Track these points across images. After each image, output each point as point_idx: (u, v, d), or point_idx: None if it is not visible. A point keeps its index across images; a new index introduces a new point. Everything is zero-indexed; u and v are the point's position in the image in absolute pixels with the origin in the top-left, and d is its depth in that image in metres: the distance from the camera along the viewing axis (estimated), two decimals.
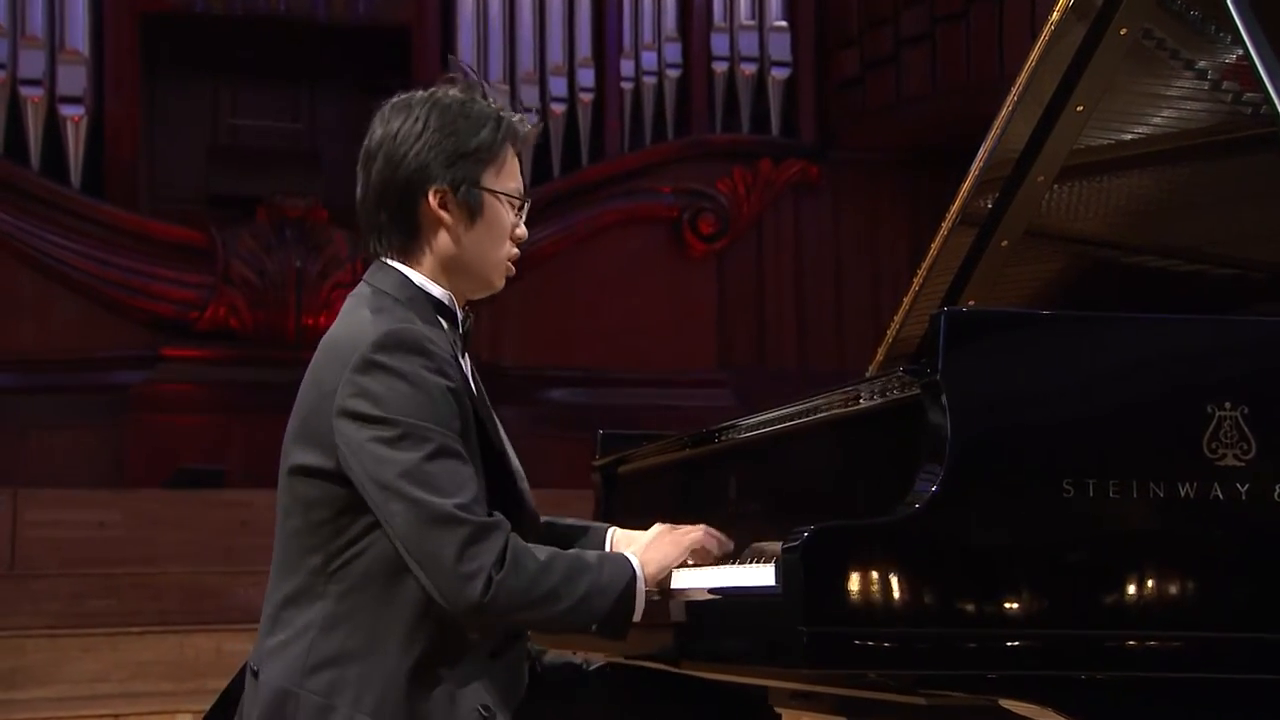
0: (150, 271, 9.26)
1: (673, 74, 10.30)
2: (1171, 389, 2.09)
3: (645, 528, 2.41)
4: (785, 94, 10.41)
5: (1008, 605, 1.98)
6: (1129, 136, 3.13)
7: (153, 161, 10.09)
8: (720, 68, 10.34)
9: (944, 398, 2.00)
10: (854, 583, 1.95)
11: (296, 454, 2.21)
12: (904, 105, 10.17)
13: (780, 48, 10.40)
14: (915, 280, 3.21)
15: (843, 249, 10.38)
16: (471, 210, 2.27)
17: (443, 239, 2.28)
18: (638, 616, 2.19)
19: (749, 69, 10.36)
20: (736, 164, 10.23)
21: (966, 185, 3.06)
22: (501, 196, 2.30)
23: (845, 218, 10.43)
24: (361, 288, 2.31)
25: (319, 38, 10.34)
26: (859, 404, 2.24)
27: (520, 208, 2.35)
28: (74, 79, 9.40)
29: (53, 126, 9.34)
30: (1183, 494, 2.03)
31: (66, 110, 9.35)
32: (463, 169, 2.25)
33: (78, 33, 9.43)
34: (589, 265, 9.94)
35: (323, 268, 9.23)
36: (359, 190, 2.31)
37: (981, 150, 3.02)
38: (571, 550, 2.21)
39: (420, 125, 2.26)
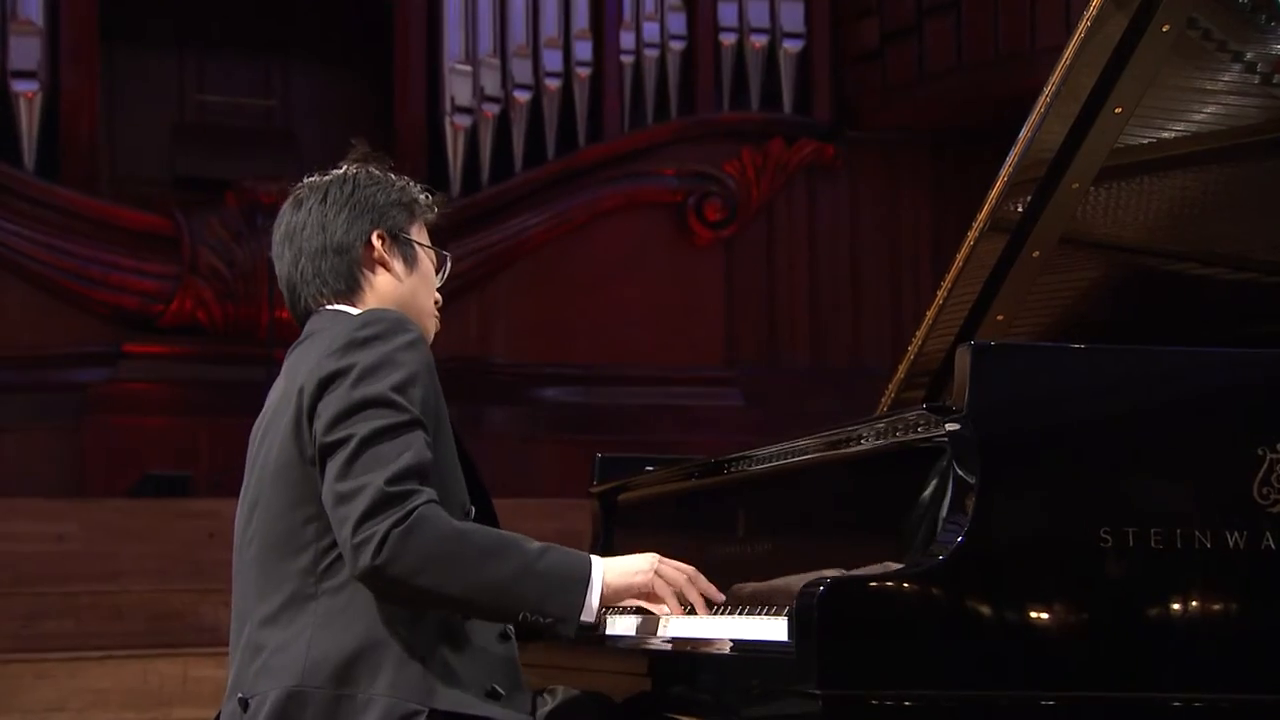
0: (110, 261, 9.26)
1: (676, 47, 10.28)
2: (1218, 429, 2.08)
3: None
4: (798, 68, 10.40)
5: (1040, 665, 1.98)
6: (1171, 134, 3.12)
7: (113, 141, 10.07)
8: (728, 40, 10.33)
9: (971, 439, 2.00)
10: (873, 641, 1.95)
11: (275, 456, 2.30)
12: (927, 80, 10.16)
13: (793, 18, 10.39)
14: (939, 292, 3.19)
15: (860, 236, 10.37)
16: (406, 256, 2.49)
17: (385, 280, 2.47)
18: (589, 616, 2.22)
19: (759, 41, 10.34)
20: (745, 144, 10.21)
21: (996, 189, 3.05)
22: (427, 249, 2.54)
23: (863, 202, 10.42)
24: (313, 334, 2.41)
25: (293, 6, 10.32)
26: (878, 441, 2.22)
27: (439, 267, 2.57)
28: (27, 52, 9.38)
29: (4, 103, 9.32)
30: (1230, 544, 2.03)
31: (19, 86, 9.34)
32: (394, 219, 2.48)
33: (31, 1, 9.41)
34: (586, 254, 9.93)
35: None
36: (288, 261, 2.47)
37: (1012, 153, 3.00)
38: (513, 534, 2.27)
39: (350, 188, 2.49)
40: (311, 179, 2.52)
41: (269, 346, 8.46)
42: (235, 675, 2.32)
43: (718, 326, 10.11)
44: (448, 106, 9.93)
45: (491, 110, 9.98)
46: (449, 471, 2.32)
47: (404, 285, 2.47)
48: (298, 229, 2.47)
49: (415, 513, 2.15)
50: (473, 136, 9.94)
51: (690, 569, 2.37)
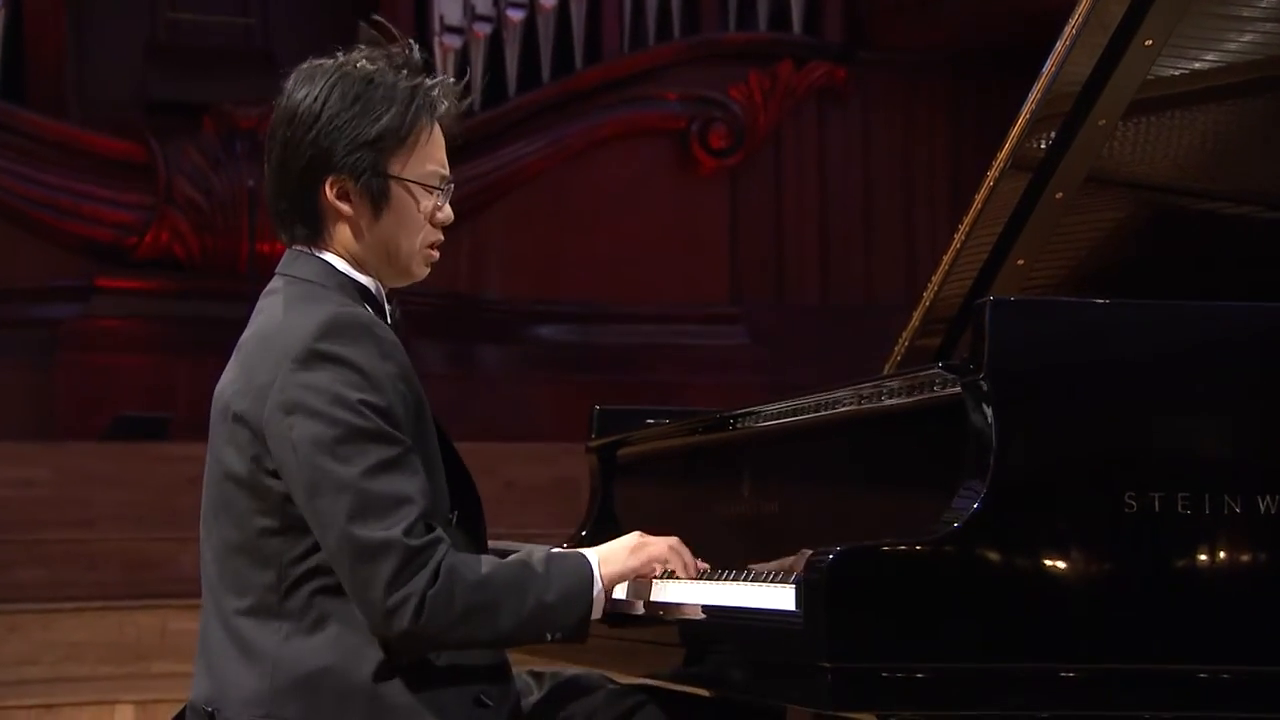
0: (81, 190, 9.24)
1: None
2: (1250, 387, 2.08)
3: (648, 519, 2.40)
4: None
5: (1060, 636, 1.99)
6: (1204, 65, 3.10)
7: (81, 63, 10.03)
8: None
9: (988, 400, 2.00)
10: (885, 612, 1.96)
11: (230, 460, 2.23)
12: None
13: None
14: (957, 235, 3.18)
15: (873, 165, 10.34)
16: (375, 201, 2.30)
17: (345, 231, 2.31)
18: (597, 614, 2.26)
19: None
20: (752, 67, 10.17)
21: (1018, 126, 3.03)
22: (411, 184, 2.32)
23: (876, 129, 10.38)
24: (278, 282, 2.34)
25: None
26: (891, 400, 2.23)
27: (440, 189, 2.36)
28: None
29: None
30: (1263, 509, 2.03)
31: None
32: (365, 157, 2.28)
33: None
34: (583, 184, 9.91)
35: None
36: (266, 173, 2.35)
37: (1035, 88, 2.98)
38: (517, 556, 2.26)
39: (319, 105, 2.28)
40: (301, 67, 2.31)
41: (250, 281, 8.43)
42: (204, 669, 2.27)
43: (722, 261, 10.10)
44: (436, 26, 9.88)
45: (483, 30, 9.93)
46: (434, 474, 2.25)
47: (372, 233, 2.30)
48: (275, 128, 2.30)
49: (443, 568, 2.13)
50: (463, 58, 9.89)
51: (671, 541, 2.39)
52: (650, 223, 9.93)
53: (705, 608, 2.24)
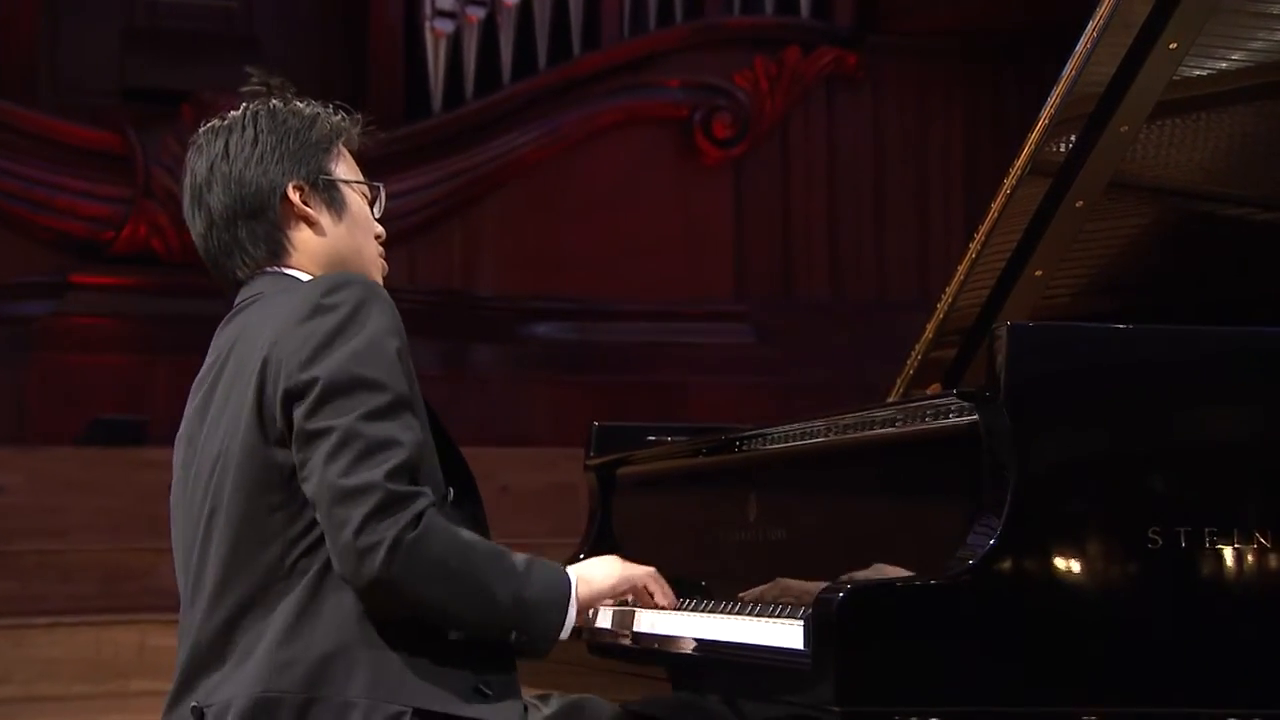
0: (55, 182, 9.22)
1: None
2: None
3: (649, 542, 2.42)
4: None
5: (1082, 679, 2.00)
6: (1231, 65, 3.11)
7: (55, 48, 10.00)
8: None
9: (1005, 431, 2.00)
10: (897, 654, 1.96)
11: (239, 437, 2.28)
12: None
13: None
14: (973, 245, 3.18)
15: (884, 155, 10.33)
16: (332, 202, 2.44)
17: (310, 237, 2.43)
18: (565, 634, 2.31)
19: None
20: (758, 53, 10.15)
21: (1036, 131, 3.04)
22: (354, 185, 2.48)
23: (888, 117, 10.37)
24: (255, 299, 2.41)
25: None
26: (904, 427, 2.23)
27: (373, 201, 2.52)
28: None
29: None
30: None
31: None
32: (313, 162, 2.43)
33: None
34: (581, 176, 9.89)
35: None
36: (201, 230, 2.47)
37: (1055, 91, 2.99)
38: (499, 545, 2.32)
39: (252, 133, 2.43)
40: (210, 124, 2.47)
41: None
42: (185, 672, 2.31)
43: (727, 256, 10.09)
44: (428, 10, 9.85)
45: (476, 14, 9.91)
46: (428, 445, 2.31)
47: (335, 236, 2.44)
48: (202, 189, 2.43)
49: (425, 517, 2.18)
50: (456, 44, 9.87)
51: (649, 571, 2.46)
52: (651, 216, 9.92)
53: (699, 642, 2.25)
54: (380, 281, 2.47)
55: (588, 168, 9.92)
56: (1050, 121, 3.00)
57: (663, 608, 2.45)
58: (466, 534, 2.25)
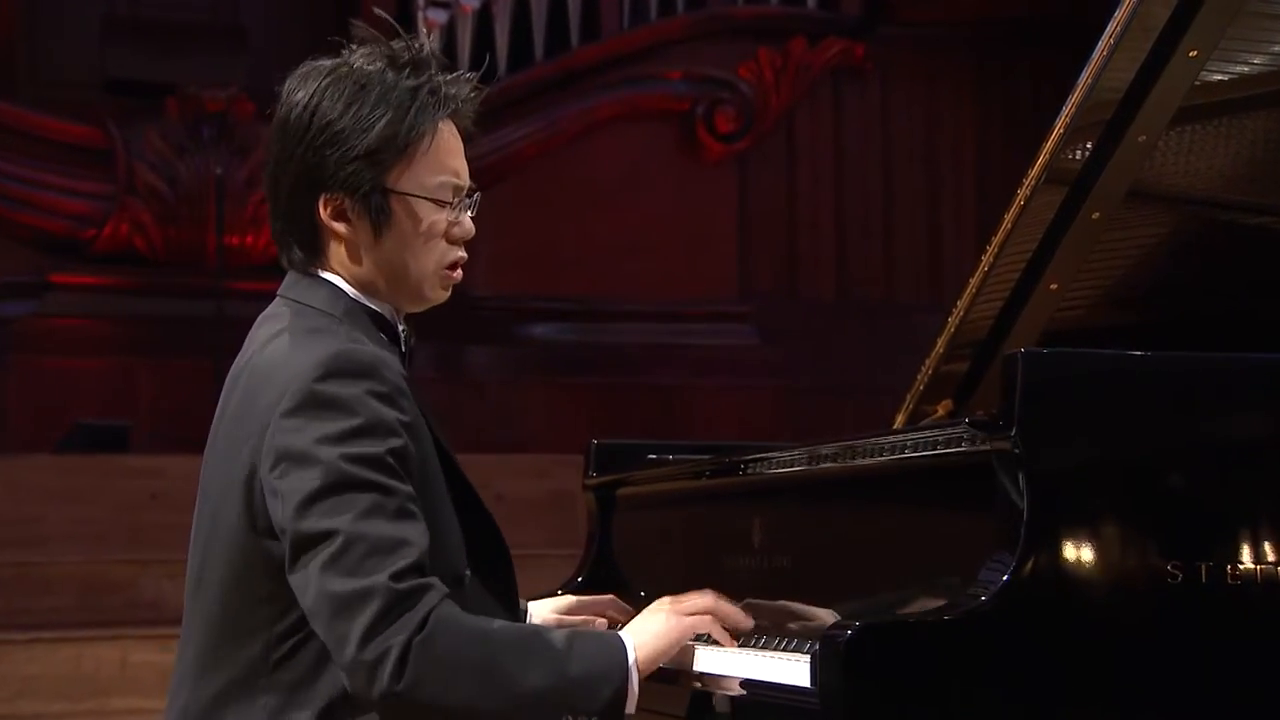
0: (34, 178, 9.22)
1: None
2: None
3: (649, 565, 2.41)
4: None
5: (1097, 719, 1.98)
6: (1253, 70, 3.12)
7: (34, 40, 10.00)
8: None
9: (1019, 463, 2.00)
10: (906, 693, 1.96)
11: (222, 509, 2.21)
12: None
13: None
14: (985, 255, 3.18)
15: (893, 150, 10.33)
16: (375, 219, 2.25)
17: (345, 255, 2.28)
18: (631, 708, 2.16)
19: None
20: (763, 44, 10.15)
21: (1052, 139, 3.04)
22: (415, 199, 2.26)
23: (896, 110, 10.36)
24: (280, 306, 2.32)
25: None
26: (914, 455, 2.22)
27: (456, 202, 2.31)
28: None
29: None
30: None
31: None
32: (361, 170, 2.23)
33: None
34: (580, 171, 9.89)
35: (249, 174, 9.18)
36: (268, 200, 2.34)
37: (1072, 98, 2.99)
38: (532, 625, 2.26)
39: (309, 114, 2.23)
40: (298, 69, 2.27)
41: (217, 277, 8.41)
42: None
43: (730, 254, 10.08)
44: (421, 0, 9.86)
45: (471, 4, 9.90)
46: (441, 529, 2.19)
47: (376, 254, 2.25)
48: (273, 134, 2.27)
49: (432, 616, 2.04)
50: (449, 35, 9.87)
51: (708, 599, 2.32)
52: (652, 213, 9.91)
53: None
54: (438, 298, 2.33)
55: (586, 163, 9.91)
56: (1066, 129, 3.00)
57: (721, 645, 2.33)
58: (484, 622, 2.12)
